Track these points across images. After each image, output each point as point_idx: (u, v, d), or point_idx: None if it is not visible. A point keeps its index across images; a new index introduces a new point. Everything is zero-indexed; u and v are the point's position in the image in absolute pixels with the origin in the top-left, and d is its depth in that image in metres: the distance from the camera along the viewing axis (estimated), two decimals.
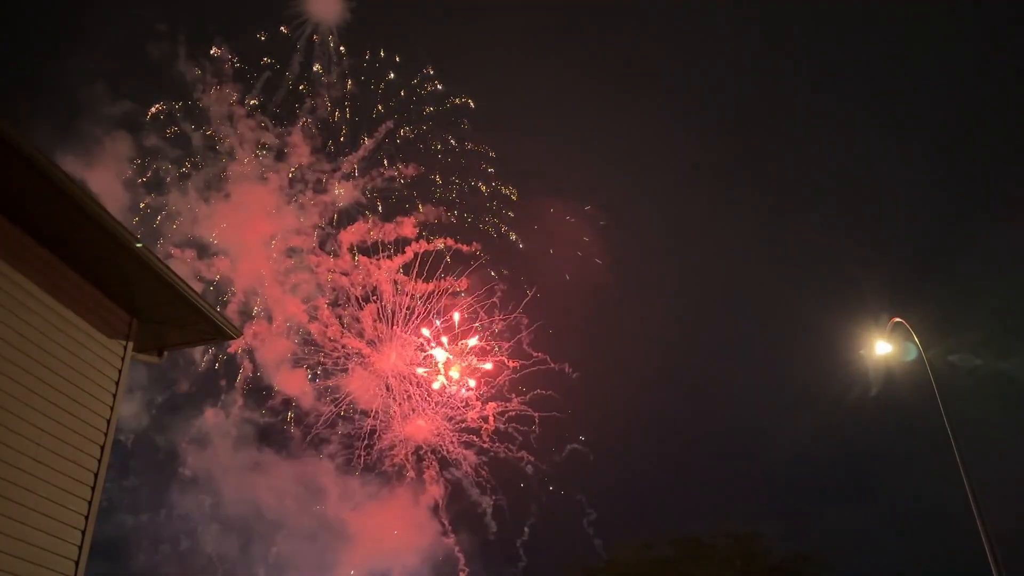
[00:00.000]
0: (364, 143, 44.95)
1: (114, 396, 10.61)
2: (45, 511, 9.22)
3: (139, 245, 9.96)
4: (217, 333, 12.04)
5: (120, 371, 10.81)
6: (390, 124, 44.98)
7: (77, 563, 9.52)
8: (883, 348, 18.15)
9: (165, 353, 12.47)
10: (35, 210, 9.40)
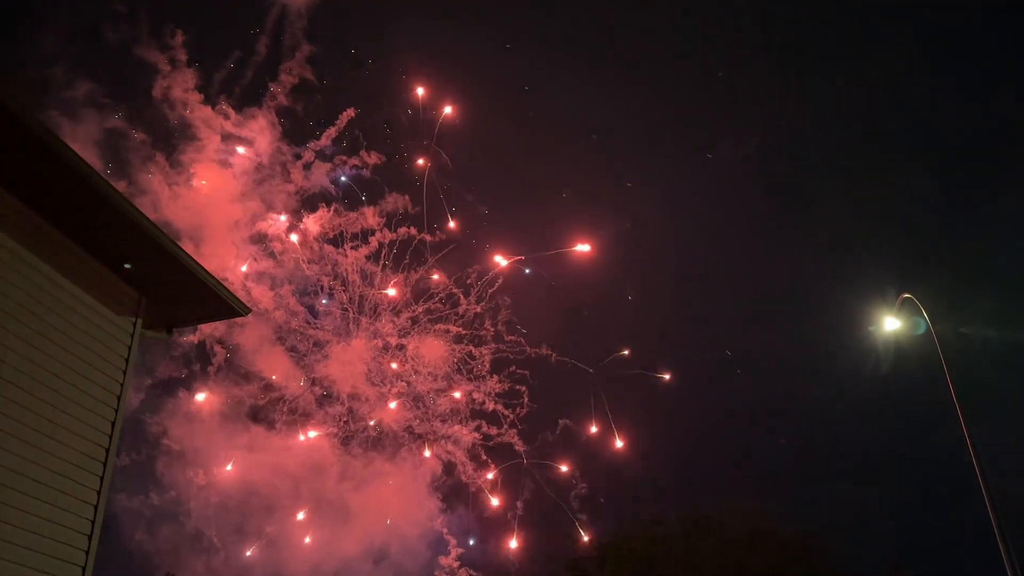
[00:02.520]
0: (329, 131, 44.78)
1: (124, 373, 10.68)
2: (58, 486, 9.32)
3: (149, 223, 9.99)
4: (226, 310, 12.08)
5: (130, 348, 10.88)
6: (352, 113, 44.69)
7: (90, 537, 9.64)
8: (892, 324, 18.08)
9: (174, 330, 12.53)
10: (44, 188, 9.41)
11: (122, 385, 10.60)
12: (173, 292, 11.36)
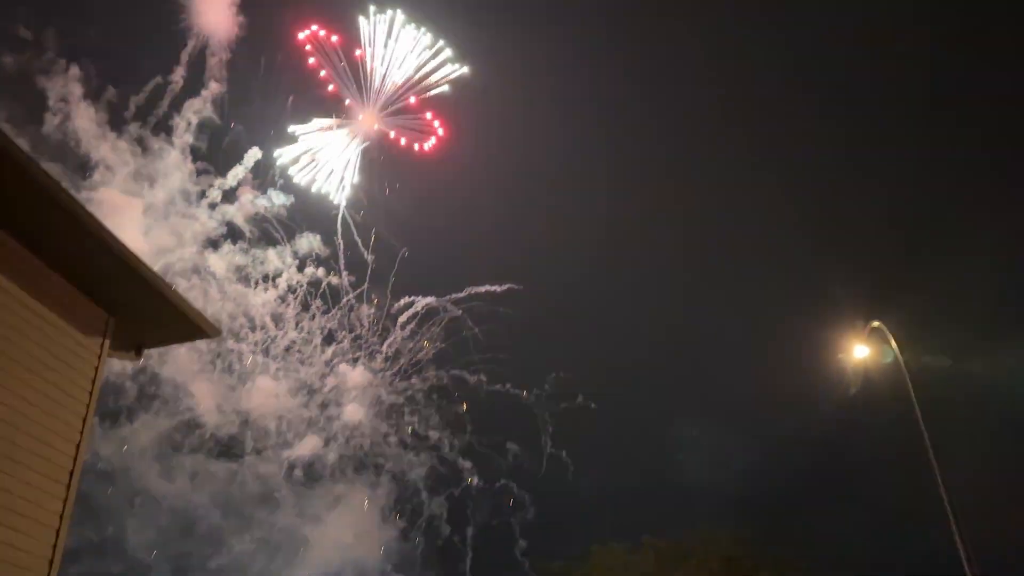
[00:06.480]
0: (237, 168, 44.39)
1: (90, 395, 10.49)
2: (19, 510, 9.10)
3: (119, 242, 9.88)
4: (196, 332, 11.93)
5: (96, 370, 10.69)
6: (257, 153, 44.48)
7: (51, 563, 9.41)
8: (861, 351, 18.30)
9: (143, 352, 12.35)
10: (8, 204, 9.27)
11: (88, 407, 10.41)
12: (143, 313, 11.19)
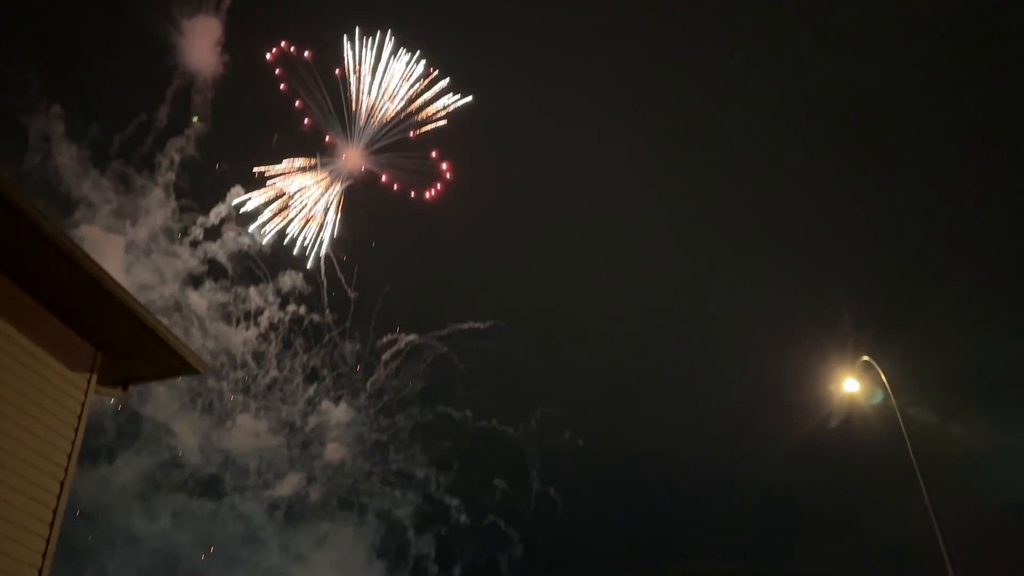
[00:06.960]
0: (219, 206, 44.02)
1: (76, 431, 10.31)
2: (2, 550, 8.89)
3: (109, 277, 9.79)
4: (184, 367, 11.78)
5: (83, 405, 10.52)
6: (240, 191, 44.08)
7: None
8: (851, 385, 18.25)
9: (130, 387, 12.18)
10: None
11: (73, 443, 10.22)
12: (131, 348, 11.05)
